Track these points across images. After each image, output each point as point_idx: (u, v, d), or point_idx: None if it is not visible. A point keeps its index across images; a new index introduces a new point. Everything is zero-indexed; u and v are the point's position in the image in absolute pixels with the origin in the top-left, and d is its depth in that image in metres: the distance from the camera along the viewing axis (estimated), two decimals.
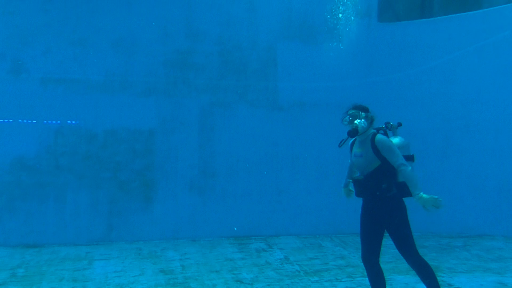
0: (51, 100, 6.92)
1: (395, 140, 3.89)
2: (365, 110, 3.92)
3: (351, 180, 4.11)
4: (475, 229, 7.38)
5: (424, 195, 3.55)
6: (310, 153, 7.58)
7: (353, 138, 4.00)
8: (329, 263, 5.96)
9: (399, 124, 4.03)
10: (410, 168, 3.68)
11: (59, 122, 6.97)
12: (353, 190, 4.04)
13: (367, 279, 3.98)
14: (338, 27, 7.77)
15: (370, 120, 3.91)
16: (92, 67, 7.04)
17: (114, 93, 7.12)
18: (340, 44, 7.70)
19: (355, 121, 3.86)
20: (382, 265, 3.88)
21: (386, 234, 3.86)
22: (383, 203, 3.75)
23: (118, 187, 7.13)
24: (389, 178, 3.76)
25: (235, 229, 7.30)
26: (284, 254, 6.43)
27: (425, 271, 3.81)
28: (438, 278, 3.90)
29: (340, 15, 7.77)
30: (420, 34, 7.82)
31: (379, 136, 3.78)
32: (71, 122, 7.01)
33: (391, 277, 5.27)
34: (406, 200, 3.84)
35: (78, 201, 7.01)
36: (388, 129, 4.01)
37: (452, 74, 7.62)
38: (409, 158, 3.83)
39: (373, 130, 3.90)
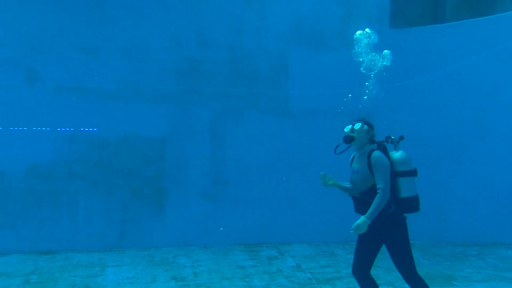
0: (64, 108, 6.99)
1: (397, 154, 3.79)
2: (370, 125, 3.88)
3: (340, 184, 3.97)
4: (490, 238, 7.26)
5: (367, 224, 3.55)
6: (321, 160, 7.51)
7: (353, 154, 3.96)
8: (342, 271, 5.91)
9: (401, 138, 3.93)
10: (386, 196, 3.60)
11: (72, 129, 7.04)
12: (333, 179, 3.93)
13: None
14: (349, 33, 7.73)
15: (371, 136, 3.86)
16: (105, 75, 7.10)
17: (126, 101, 7.17)
18: (351, 50, 7.65)
19: (355, 126, 3.83)
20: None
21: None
22: (381, 220, 3.69)
23: (131, 194, 7.16)
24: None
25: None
26: (296, 262, 6.40)
27: None
28: None
29: (351, 21, 7.74)
30: (432, 40, 7.75)
31: (375, 153, 3.72)
32: (84, 130, 7.08)
33: (405, 286, 5.20)
34: (409, 216, 3.80)
35: (91, 208, 7.07)
36: (389, 143, 3.93)
37: (465, 80, 7.53)
38: (411, 173, 3.74)
39: (372, 146, 3.84)
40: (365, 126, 3.84)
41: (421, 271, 5.69)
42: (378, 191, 3.62)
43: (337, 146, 3.95)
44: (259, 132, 7.50)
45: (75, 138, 7.05)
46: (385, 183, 3.62)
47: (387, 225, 3.70)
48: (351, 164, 3.97)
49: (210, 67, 7.42)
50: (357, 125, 3.85)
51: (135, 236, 7.14)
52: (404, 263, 3.73)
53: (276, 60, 7.62)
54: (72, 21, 7.02)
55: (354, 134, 3.84)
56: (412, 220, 7.71)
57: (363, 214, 3.77)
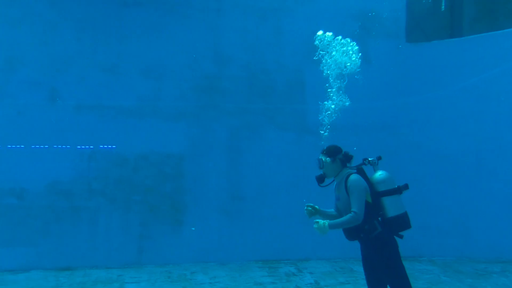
0: (84, 126, 7.11)
1: (376, 174, 3.75)
2: (333, 153, 3.85)
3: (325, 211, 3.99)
4: None
5: (327, 229, 3.60)
6: None
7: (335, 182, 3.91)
8: None
9: (379, 158, 3.87)
10: (357, 220, 3.56)
11: (92, 147, 7.15)
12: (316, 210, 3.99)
13: None
14: (366, 48, 7.73)
15: (339, 162, 3.83)
16: (123, 93, 7.22)
17: (145, 118, 7.27)
18: (369, 65, 7.65)
19: (319, 163, 3.85)
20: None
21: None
22: (370, 244, 3.65)
23: (149, 210, 7.21)
24: (371, 218, 3.65)
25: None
26: (314, 279, 6.34)
27: None
28: None
29: (368, 36, 7.74)
30: (450, 54, 7.70)
31: (351, 176, 3.70)
32: (104, 147, 7.18)
33: None
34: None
35: (109, 224, 7.12)
36: (368, 165, 3.88)
37: (483, 94, 7.45)
38: (394, 192, 3.68)
39: (349, 170, 3.80)
40: (328, 159, 3.82)
41: None
42: (351, 213, 3.59)
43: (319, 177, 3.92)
44: (276, 148, 7.50)
45: (95, 155, 7.14)
46: (359, 207, 3.59)
47: (374, 248, 3.66)
48: (335, 192, 3.94)
49: (227, 84, 7.49)
50: (320, 162, 3.82)
51: (153, 252, 7.16)
52: (400, 285, 3.66)
53: (292, 76, 7.65)
54: (92, 41, 7.18)
55: (322, 171, 3.83)
56: (433, 237, 7.60)
57: (355, 239, 3.75)
